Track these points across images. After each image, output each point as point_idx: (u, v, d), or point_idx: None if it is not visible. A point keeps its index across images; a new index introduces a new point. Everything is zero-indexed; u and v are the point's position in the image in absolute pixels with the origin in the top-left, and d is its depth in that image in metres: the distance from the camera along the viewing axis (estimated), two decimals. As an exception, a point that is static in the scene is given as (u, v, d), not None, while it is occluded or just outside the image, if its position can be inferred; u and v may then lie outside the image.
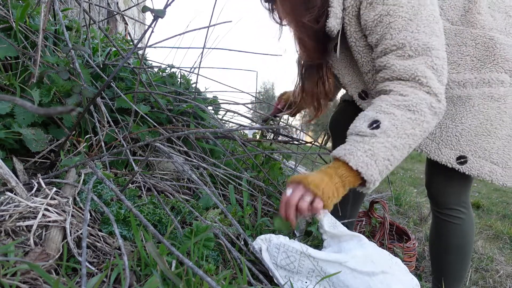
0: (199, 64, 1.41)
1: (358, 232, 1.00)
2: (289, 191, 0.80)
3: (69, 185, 0.77)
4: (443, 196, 1.10)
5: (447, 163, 0.99)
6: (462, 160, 0.98)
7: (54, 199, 0.69)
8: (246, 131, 1.91)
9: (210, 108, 1.65)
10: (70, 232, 0.64)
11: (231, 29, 1.44)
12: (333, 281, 0.76)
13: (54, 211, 0.66)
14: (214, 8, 1.18)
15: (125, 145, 0.98)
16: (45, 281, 0.55)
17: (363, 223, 1.80)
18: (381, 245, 1.51)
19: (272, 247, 0.79)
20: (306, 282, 0.77)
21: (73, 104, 0.90)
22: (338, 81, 1.11)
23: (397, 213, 2.67)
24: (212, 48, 1.42)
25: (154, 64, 1.81)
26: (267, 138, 1.61)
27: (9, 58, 0.96)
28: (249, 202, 1.18)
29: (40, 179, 0.74)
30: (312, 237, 0.98)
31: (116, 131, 1.09)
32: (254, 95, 1.73)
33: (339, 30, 0.95)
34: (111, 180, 0.88)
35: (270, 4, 1.04)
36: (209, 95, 1.76)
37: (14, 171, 0.78)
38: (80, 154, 0.94)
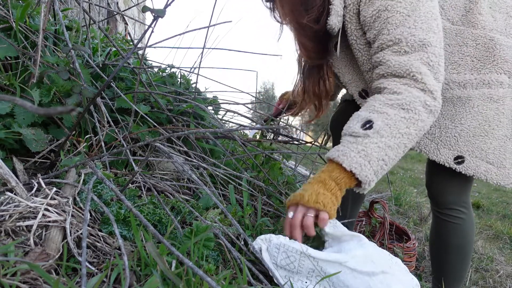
0: (199, 64, 1.41)
1: (358, 232, 1.00)
2: (290, 214, 0.80)
3: (69, 185, 0.77)
4: (443, 196, 1.11)
5: (445, 163, 1.00)
6: (460, 160, 0.98)
7: (54, 199, 0.68)
8: (247, 131, 1.91)
9: (210, 108, 1.65)
10: (70, 232, 0.64)
11: (231, 29, 1.44)
12: (333, 281, 0.76)
13: (54, 211, 0.66)
14: (214, 8, 1.18)
15: (125, 145, 0.98)
16: (45, 281, 0.55)
17: (363, 223, 1.80)
18: (381, 245, 1.51)
19: (272, 247, 0.79)
20: (306, 282, 0.77)
21: (73, 104, 0.90)
22: (339, 80, 1.11)
23: (397, 213, 2.67)
24: (212, 48, 1.42)
25: (154, 64, 1.81)
26: (267, 138, 1.61)
27: (9, 58, 0.96)
28: (249, 202, 1.18)
29: (40, 179, 0.74)
30: (312, 237, 0.98)
31: (116, 131, 1.09)
32: (254, 95, 1.73)
33: (339, 29, 0.95)
34: (111, 180, 0.88)
35: (271, 3, 1.04)
36: (209, 95, 1.76)
37: (14, 171, 0.78)
38: (80, 154, 0.94)
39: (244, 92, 1.63)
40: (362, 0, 0.88)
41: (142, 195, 0.97)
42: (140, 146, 0.94)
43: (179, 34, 1.06)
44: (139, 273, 0.64)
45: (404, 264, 0.89)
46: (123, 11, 3.34)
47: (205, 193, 1.05)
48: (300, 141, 1.62)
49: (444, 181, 1.09)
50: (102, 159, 0.93)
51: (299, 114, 1.50)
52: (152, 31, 0.81)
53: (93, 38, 1.48)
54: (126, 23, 5.83)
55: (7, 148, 0.85)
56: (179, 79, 1.62)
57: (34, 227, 0.61)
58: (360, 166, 0.77)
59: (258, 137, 1.67)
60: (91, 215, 0.77)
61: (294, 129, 1.87)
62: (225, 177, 1.18)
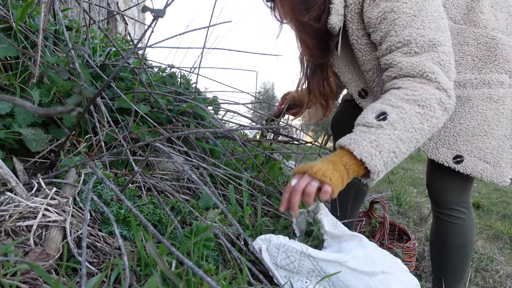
0: (199, 64, 1.41)
1: (358, 232, 1.00)
2: (294, 181, 0.80)
3: (69, 185, 0.77)
4: (443, 196, 1.11)
5: (444, 162, 1.00)
6: (459, 159, 0.99)
7: (54, 199, 0.68)
8: (247, 131, 1.91)
9: (210, 108, 1.65)
10: (70, 232, 0.64)
11: (231, 29, 1.44)
12: (333, 281, 0.76)
13: (54, 211, 0.66)
14: (214, 8, 1.18)
15: (125, 145, 0.98)
16: (45, 281, 0.55)
17: (363, 223, 1.80)
18: (381, 245, 1.51)
19: (272, 247, 0.79)
20: (306, 282, 0.77)
21: (73, 104, 0.90)
22: (339, 79, 1.12)
23: (397, 213, 2.67)
24: (212, 48, 1.42)
25: (154, 64, 1.81)
26: (267, 138, 1.61)
27: (9, 58, 0.96)
28: (249, 202, 1.18)
29: (40, 179, 0.74)
30: (312, 237, 0.98)
31: (116, 131, 1.09)
32: (254, 95, 1.73)
33: (340, 28, 0.95)
34: (111, 180, 0.88)
35: (271, 2, 1.04)
36: (209, 95, 1.76)
37: (14, 171, 0.78)
38: (80, 154, 0.94)
39: (244, 92, 1.63)
40: (365, 1, 0.88)
41: (142, 195, 0.97)
42: (140, 146, 0.94)
43: (179, 34, 1.06)
44: (139, 273, 0.64)
45: (404, 264, 0.89)
46: (123, 11, 3.34)
47: (205, 193, 1.05)
48: (300, 141, 1.62)
49: (444, 181, 1.09)
50: (102, 159, 0.93)
51: (302, 114, 1.49)
52: (152, 31, 0.81)
53: (93, 38, 1.48)
54: (126, 23, 5.83)
55: (7, 148, 0.85)
56: (179, 79, 1.62)
57: (34, 227, 0.61)
58: (370, 155, 0.78)
59: (258, 137, 1.67)
60: (91, 215, 0.77)
61: (294, 129, 1.87)
62: (225, 177, 1.18)
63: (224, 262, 0.82)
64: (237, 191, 1.25)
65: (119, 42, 1.90)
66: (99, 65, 1.19)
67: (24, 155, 0.90)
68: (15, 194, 0.66)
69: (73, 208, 0.71)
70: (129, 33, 5.81)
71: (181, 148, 1.26)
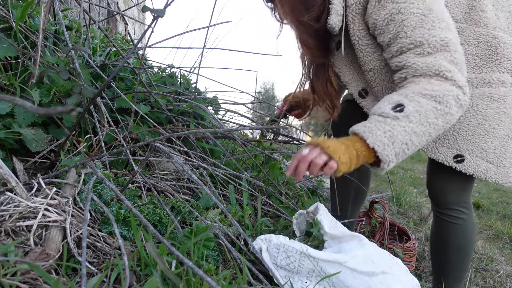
0: (199, 64, 1.41)
1: (358, 232, 1.00)
2: (305, 150, 0.83)
3: (69, 185, 0.77)
4: (443, 195, 1.10)
5: (444, 161, 0.99)
6: (459, 159, 0.98)
7: (54, 199, 0.68)
8: (247, 132, 1.91)
9: (210, 108, 1.65)
10: (70, 232, 0.64)
11: (231, 29, 1.44)
12: (333, 281, 0.76)
13: (54, 211, 0.66)
14: (214, 8, 1.18)
15: (125, 145, 0.98)
16: (45, 281, 0.55)
17: (363, 223, 1.80)
18: (381, 245, 1.51)
19: (272, 247, 0.79)
20: (306, 282, 0.77)
21: (73, 104, 0.90)
22: (339, 79, 1.12)
23: (397, 213, 2.67)
24: (212, 48, 1.42)
25: (154, 64, 1.81)
26: (267, 138, 1.61)
27: (9, 58, 0.96)
28: (249, 202, 1.18)
29: (40, 179, 0.74)
30: (313, 237, 0.98)
31: (116, 131, 1.09)
32: (254, 95, 1.73)
33: (341, 28, 0.94)
34: (111, 180, 0.88)
35: (271, 3, 1.04)
36: (209, 95, 1.76)
37: (14, 171, 0.78)
38: (80, 154, 0.94)
39: (244, 92, 1.64)
40: (370, 2, 0.87)
41: (142, 195, 0.97)
42: (140, 146, 0.94)
43: (179, 34, 1.06)
44: (139, 273, 0.64)
45: (404, 264, 0.89)
46: (123, 11, 3.34)
47: (205, 193, 1.05)
48: (300, 141, 1.62)
49: (444, 181, 1.09)
50: (102, 159, 0.93)
51: (306, 116, 1.49)
52: (152, 31, 0.81)
53: (93, 38, 1.48)
54: (126, 23, 5.83)
55: (7, 148, 0.85)
56: (179, 79, 1.62)
57: (34, 227, 0.61)
58: (383, 145, 0.80)
59: (258, 137, 1.67)
60: (91, 215, 0.77)
61: (294, 129, 1.87)
62: (225, 177, 1.18)
63: (224, 262, 0.82)
64: (237, 191, 1.25)
65: (119, 42, 1.90)
66: (99, 65, 1.19)
67: (24, 155, 0.90)
68: (15, 194, 0.66)
69: (73, 208, 0.71)
70: (129, 33, 5.81)
71: (181, 148, 1.26)
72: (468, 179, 1.07)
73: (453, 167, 0.99)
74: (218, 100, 1.71)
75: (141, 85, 1.26)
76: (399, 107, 0.82)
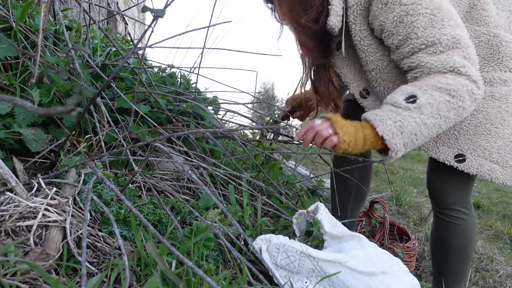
0: (199, 64, 1.41)
1: (358, 232, 1.00)
2: (318, 121, 0.90)
3: (69, 185, 0.77)
4: (444, 195, 1.10)
5: (445, 161, 0.99)
6: (461, 158, 0.97)
7: (54, 199, 0.68)
8: (248, 131, 1.91)
9: (210, 108, 1.65)
10: (70, 232, 0.64)
11: (231, 29, 1.44)
12: (333, 281, 0.76)
13: (54, 211, 0.66)
14: (214, 8, 1.18)
15: (125, 145, 0.98)
16: (45, 281, 0.55)
17: (363, 223, 1.80)
18: (381, 245, 1.51)
19: (272, 247, 0.79)
20: (306, 282, 0.77)
21: (73, 104, 0.90)
22: (340, 80, 1.12)
23: (397, 213, 2.66)
24: (212, 48, 1.42)
25: (154, 64, 1.81)
26: (267, 138, 1.61)
27: (9, 58, 0.96)
28: (249, 202, 1.18)
29: (40, 179, 0.74)
30: (313, 237, 0.98)
31: (116, 131, 1.09)
32: (254, 95, 1.73)
33: (341, 28, 0.94)
34: (111, 180, 0.88)
35: (271, 3, 1.05)
36: (209, 95, 1.76)
37: (14, 171, 0.78)
38: (80, 154, 0.94)
39: (244, 92, 1.63)
40: (375, 4, 0.87)
41: (142, 195, 0.97)
42: (140, 146, 0.94)
43: (179, 34, 1.06)
44: (139, 273, 0.64)
45: (404, 264, 0.89)
46: (123, 11, 3.34)
47: (205, 193, 1.05)
48: (300, 141, 1.62)
49: (445, 181, 1.09)
50: (102, 159, 0.93)
51: (308, 117, 1.49)
52: (152, 31, 0.81)
53: (93, 38, 1.48)
54: (126, 23, 5.83)
55: (7, 148, 0.85)
56: (179, 79, 1.62)
57: (34, 227, 0.61)
58: (392, 134, 0.83)
59: (258, 137, 1.67)
60: (91, 215, 0.77)
61: (294, 129, 1.87)
62: (225, 177, 1.18)
63: (224, 262, 0.82)
64: (237, 191, 1.25)
65: (119, 42, 1.90)
66: (99, 65, 1.19)
67: (24, 155, 0.90)
68: (15, 194, 0.66)
69: (73, 208, 0.71)
70: (129, 33, 5.81)
71: (181, 148, 1.26)
72: (468, 179, 1.07)
73: (455, 167, 0.99)
74: (218, 100, 1.71)
75: (141, 85, 1.26)
76: (411, 98, 0.83)
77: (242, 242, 0.85)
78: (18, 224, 0.60)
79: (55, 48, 1.12)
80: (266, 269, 0.75)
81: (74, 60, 0.96)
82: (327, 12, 0.92)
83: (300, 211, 0.99)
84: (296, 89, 1.32)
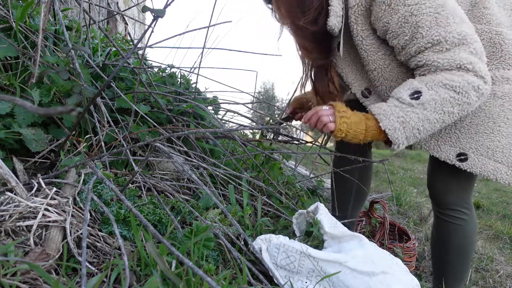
0: (199, 64, 1.41)
1: (358, 232, 1.00)
2: (325, 107, 0.96)
3: (69, 185, 0.77)
4: (444, 195, 1.10)
5: (447, 160, 0.98)
6: (462, 157, 0.97)
7: (54, 199, 0.68)
8: (248, 131, 1.91)
9: (210, 108, 1.65)
10: (70, 232, 0.64)
11: (231, 29, 1.44)
12: (333, 281, 0.76)
13: (54, 211, 0.66)
14: (214, 8, 1.18)
15: (125, 145, 0.98)
16: (45, 281, 0.55)
17: (363, 223, 1.80)
18: (381, 245, 1.51)
19: (272, 247, 0.79)
20: (306, 282, 0.77)
21: (73, 104, 0.90)
22: (342, 79, 1.11)
23: (397, 213, 2.66)
24: (212, 48, 1.42)
25: (154, 64, 1.81)
26: (267, 138, 1.61)
27: (9, 58, 0.96)
28: (249, 202, 1.18)
29: (40, 179, 0.74)
30: (313, 237, 0.98)
31: (116, 131, 1.09)
32: (254, 95, 1.73)
33: (340, 29, 0.94)
34: (111, 180, 0.88)
35: (271, 4, 1.05)
36: (209, 95, 1.76)
37: (14, 171, 0.78)
38: (80, 154, 0.94)
39: (244, 92, 1.64)
40: (378, 6, 0.87)
41: (142, 195, 0.97)
42: (140, 146, 0.94)
43: (179, 34, 1.06)
44: (139, 273, 0.64)
45: (404, 264, 0.89)
46: (123, 11, 3.34)
47: (205, 193, 1.05)
48: (300, 141, 1.62)
49: (445, 181, 1.08)
50: (102, 159, 0.93)
51: None
52: (152, 31, 0.81)
53: (93, 38, 1.48)
54: (126, 23, 5.83)
55: (7, 148, 0.85)
56: (179, 79, 1.62)
57: (34, 227, 0.61)
58: (394, 129, 0.87)
59: (258, 137, 1.67)
60: (91, 215, 0.77)
61: (294, 129, 1.87)
62: (225, 177, 1.18)
63: (224, 262, 0.82)
64: (237, 191, 1.25)
65: (119, 42, 1.90)
66: (99, 65, 1.19)
67: (24, 155, 0.90)
68: (15, 194, 0.66)
69: (73, 208, 0.71)
70: (129, 33, 5.80)
71: (181, 148, 1.26)
72: (469, 180, 1.06)
73: (457, 166, 0.98)
74: (218, 100, 1.71)
75: (141, 85, 1.26)
76: (416, 94, 0.86)
77: (242, 242, 0.85)
78: (18, 224, 0.60)
79: (55, 48, 1.12)
80: (266, 269, 0.75)
81: (74, 60, 0.96)
82: (326, 13, 0.92)
83: (300, 211, 0.99)
84: (296, 89, 1.32)
